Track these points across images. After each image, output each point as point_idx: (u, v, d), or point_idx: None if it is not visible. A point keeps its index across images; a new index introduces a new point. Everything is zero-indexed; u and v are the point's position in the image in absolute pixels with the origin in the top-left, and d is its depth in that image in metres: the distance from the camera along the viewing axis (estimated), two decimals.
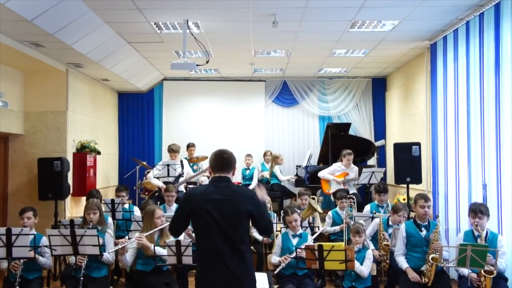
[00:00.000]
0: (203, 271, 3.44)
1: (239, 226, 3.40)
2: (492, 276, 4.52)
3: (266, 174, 9.95)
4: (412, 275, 5.04)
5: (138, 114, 11.02)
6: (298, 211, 5.61)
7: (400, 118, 9.69)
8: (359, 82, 10.92)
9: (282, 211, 6.43)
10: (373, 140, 10.51)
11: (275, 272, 5.11)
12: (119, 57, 8.11)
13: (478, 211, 4.88)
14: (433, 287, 4.91)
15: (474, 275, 4.69)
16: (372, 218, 6.36)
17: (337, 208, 7.06)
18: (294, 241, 5.28)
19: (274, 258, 5.28)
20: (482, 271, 4.54)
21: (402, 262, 5.22)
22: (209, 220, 3.37)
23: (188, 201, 3.52)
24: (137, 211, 6.91)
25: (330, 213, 7.06)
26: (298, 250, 4.85)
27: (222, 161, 3.53)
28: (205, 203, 3.40)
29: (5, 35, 6.14)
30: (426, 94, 8.01)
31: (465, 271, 4.71)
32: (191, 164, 9.44)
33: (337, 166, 8.48)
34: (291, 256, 5.05)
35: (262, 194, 3.68)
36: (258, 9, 6.15)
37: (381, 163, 10.50)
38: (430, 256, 4.91)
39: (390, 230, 5.97)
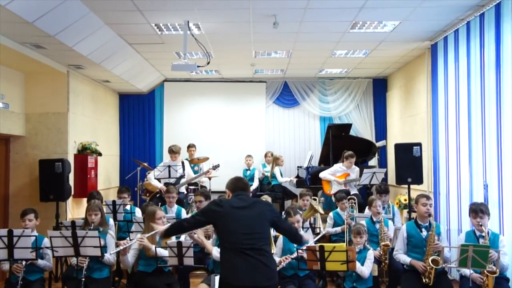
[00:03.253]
0: (231, 266, 3.74)
1: (261, 230, 3.86)
2: (494, 275, 4.51)
3: (266, 173, 9.96)
4: (419, 265, 5.01)
5: (139, 115, 11.04)
6: (300, 212, 5.60)
7: (401, 119, 9.68)
8: (360, 83, 10.92)
9: (283, 212, 6.42)
10: (374, 141, 10.52)
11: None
12: (120, 59, 8.12)
13: (479, 210, 4.88)
14: (435, 287, 4.91)
15: (477, 276, 4.69)
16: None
17: (338, 209, 7.06)
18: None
19: (274, 258, 5.27)
20: (485, 271, 4.53)
21: (404, 257, 5.20)
22: (234, 226, 3.79)
23: (214, 210, 3.94)
24: (138, 213, 6.91)
25: (331, 214, 7.05)
26: (299, 251, 4.85)
27: (243, 185, 4.13)
28: (231, 211, 3.86)
29: (6, 36, 6.15)
30: (427, 95, 8.01)
31: (467, 271, 4.70)
32: (192, 165, 9.44)
33: (338, 167, 8.48)
34: (292, 257, 5.05)
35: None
36: (259, 10, 6.15)
37: (382, 163, 10.50)
38: (430, 259, 4.88)
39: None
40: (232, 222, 3.81)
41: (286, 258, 5.06)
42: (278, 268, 5.04)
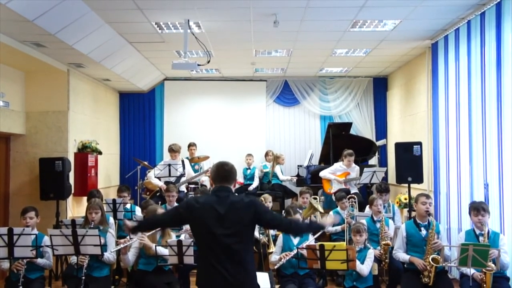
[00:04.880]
0: (205, 280, 3.47)
1: (239, 236, 3.44)
2: (492, 272, 4.52)
3: (265, 168, 9.98)
4: (418, 262, 5.01)
5: (139, 114, 11.03)
6: (300, 211, 5.61)
7: (401, 118, 9.68)
8: (360, 82, 10.91)
9: (283, 211, 6.42)
10: (374, 140, 10.51)
11: (275, 267, 5.14)
12: (120, 57, 8.11)
13: (480, 208, 4.89)
14: (435, 287, 4.91)
15: (478, 274, 4.69)
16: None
17: (338, 208, 7.06)
18: (295, 241, 5.29)
19: (274, 257, 5.28)
20: (484, 269, 4.53)
21: (403, 255, 5.19)
22: (209, 232, 3.41)
23: (188, 209, 3.54)
24: (138, 211, 6.92)
25: (331, 213, 7.03)
26: (299, 249, 4.85)
27: (224, 172, 3.60)
28: (206, 214, 3.44)
29: (7, 35, 6.14)
30: (428, 94, 8.00)
31: (468, 270, 4.70)
32: (192, 164, 9.44)
33: (338, 166, 8.48)
34: (291, 254, 5.05)
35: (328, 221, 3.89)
36: (259, 8, 6.15)
37: (383, 162, 10.49)
38: (430, 257, 4.89)
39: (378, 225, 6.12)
40: (206, 232, 3.42)
41: (286, 255, 5.07)
42: (277, 266, 5.06)
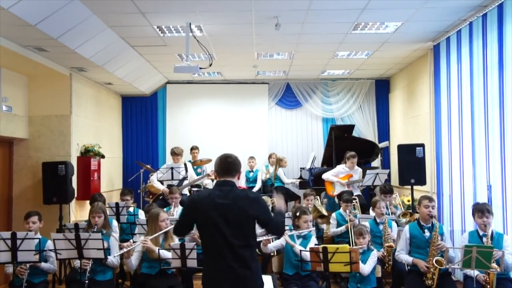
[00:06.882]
0: (209, 275, 3.45)
1: (242, 230, 3.41)
2: (496, 273, 4.50)
3: (268, 173, 9.97)
4: (421, 264, 5.00)
5: (141, 118, 11.05)
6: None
7: (404, 120, 9.67)
8: (362, 84, 10.91)
9: (297, 212, 6.40)
10: (377, 142, 10.51)
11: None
12: (123, 61, 8.13)
13: (485, 210, 4.89)
14: None
15: (482, 275, 4.68)
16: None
17: (341, 210, 7.05)
18: (298, 242, 5.31)
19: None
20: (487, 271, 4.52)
21: (406, 257, 5.20)
22: (212, 225, 3.39)
23: (192, 205, 3.56)
24: (141, 215, 6.92)
25: (333, 214, 7.04)
26: (303, 251, 4.85)
27: (227, 165, 3.56)
28: (209, 207, 3.42)
29: (9, 39, 6.17)
30: (430, 95, 7.99)
31: (471, 271, 4.68)
32: (195, 167, 9.44)
33: (341, 168, 8.47)
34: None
35: (280, 203, 3.76)
36: (261, 11, 6.16)
37: (385, 164, 10.48)
38: (434, 259, 4.88)
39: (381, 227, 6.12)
40: (209, 226, 3.41)
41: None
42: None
